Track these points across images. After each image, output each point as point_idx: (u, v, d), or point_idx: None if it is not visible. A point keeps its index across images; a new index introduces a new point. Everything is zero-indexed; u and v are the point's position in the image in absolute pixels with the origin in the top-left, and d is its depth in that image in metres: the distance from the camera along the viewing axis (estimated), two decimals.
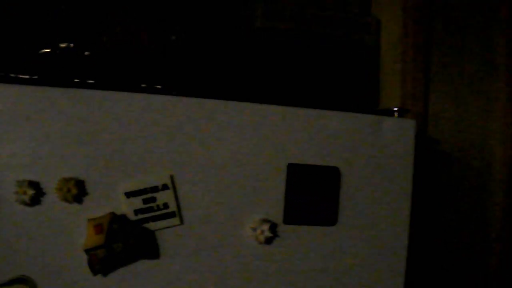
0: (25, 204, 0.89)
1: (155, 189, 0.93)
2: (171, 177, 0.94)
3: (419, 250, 1.44)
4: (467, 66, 1.61)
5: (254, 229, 0.97)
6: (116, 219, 0.92)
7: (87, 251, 0.89)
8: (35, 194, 0.89)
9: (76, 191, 0.90)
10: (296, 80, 1.45)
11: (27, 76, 1.19)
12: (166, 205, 0.94)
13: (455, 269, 1.57)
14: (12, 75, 1.14)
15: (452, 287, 1.58)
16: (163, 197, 0.93)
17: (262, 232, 0.96)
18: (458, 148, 1.59)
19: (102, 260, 0.90)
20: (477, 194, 1.60)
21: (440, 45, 1.58)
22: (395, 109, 1.12)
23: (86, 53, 1.31)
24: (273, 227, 0.98)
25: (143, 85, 1.28)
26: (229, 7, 1.48)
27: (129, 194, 0.93)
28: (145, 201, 0.93)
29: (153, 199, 0.93)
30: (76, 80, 1.26)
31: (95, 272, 0.91)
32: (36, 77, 1.20)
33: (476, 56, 1.62)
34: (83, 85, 1.25)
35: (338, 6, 1.64)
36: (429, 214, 1.53)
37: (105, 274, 0.93)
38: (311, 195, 1.00)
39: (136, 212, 0.93)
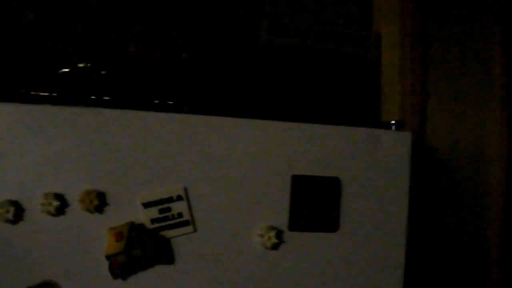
0: (51, 214, 0.96)
1: (170, 199, 0.99)
2: (185, 189, 1.00)
3: (419, 254, 1.49)
4: (464, 79, 1.65)
5: (262, 236, 1.02)
6: (134, 227, 0.98)
7: (108, 257, 0.95)
8: (60, 205, 0.96)
9: (98, 202, 0.97)
10: (299, 95, 1.51)
11: (47, 94, 1.27)
12: (180, 215, 1.00)
13: (454, 271, 1.61)
14: (33, 93, 1.22)
15: None
16: (177, 207, 1.00)
17: (269, 238, 1.02)
18: (455, 156, 1.63)
19: (122, 265, 0.95)
20: (474, 199, 1.64)
21: (437, 59, 1.63)
22: (393, 122, 1.18)
23: (103, 72, 1.39)
24: (279, 234, 1.04)
25: (156, 102, 1.36)
26: (235, 23, 1.53)
27: (146, 205, 0.99)
28: (161, 211, 0.99)
29: (169, 209, 0.99)
30: (93, 97, 1.34)
31: (115, 276, 0.97)
32: (55, 94, 1.28)
33: (473, 69, 1.66)
34: (100, 103, 1.32)
35: (340, 21, 1.69)
36: (429, 218, 1.57)
37: (124, 278, 0.99)
38: (314, 203, 1.05)
39: (153, 221, 0.99)
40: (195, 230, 1.02)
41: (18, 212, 0.95)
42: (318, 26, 1.60)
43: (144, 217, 0.99)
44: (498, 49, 1.64)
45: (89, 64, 1.37)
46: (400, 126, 1.18)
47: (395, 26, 1.64)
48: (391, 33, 1.65)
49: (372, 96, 1.60)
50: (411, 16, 1.62)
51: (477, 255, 1.62)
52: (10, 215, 0.94)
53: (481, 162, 1.65)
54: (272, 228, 1.03)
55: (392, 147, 1.11)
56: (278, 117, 1.06)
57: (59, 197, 0.96)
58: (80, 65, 1.39)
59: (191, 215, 1.01)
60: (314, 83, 1.54)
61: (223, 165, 1.02)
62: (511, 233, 1.65)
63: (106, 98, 1.33)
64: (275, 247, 1.04)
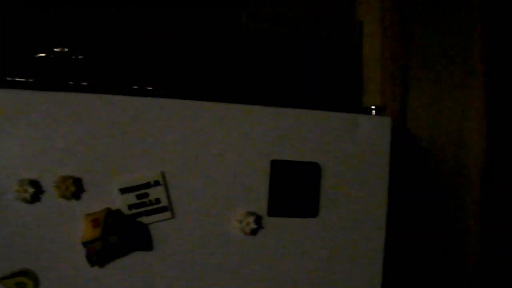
0: (26, 201, 0.95)
1: (147, 185, 0.98)
2: (162, 174, 0.99)
3: (397, 240, 1.50)
4: (445, 66, 1.66)
5: (240, 221, 1.02)
6: (111, 213, 0.97)
7: (84, 243, 0.94)
8: (35, 192, 0.95)
9: (74, 188, 0.95)
10: (281, 81, 1.51)
11: (23, 79, 1.25)
12: (158, 200, 0.99)
13: (433, 260, 1.63)
14: (9, 78, 1.20)
15: (430, 277, 1.64)
16: (155, 193, 0.99)
17: (248, 224, 1.02)
18: (435, 142, 1.65)
19: (99, 252, 0.94)
20: (454, 184, 1.65)
21: (419, 45, 1.64)
22: (373, 107, 1.18)
23: (80, 56, 1.36)
24: (258, 220, 1.03)
25: (134, 87, 1.34)
26: (217, 10, 1.52)
27: (123, 190, 0.98)
28: (138, 196, 0.98)
29: (146, 195, 0.98)
30: (70, 83, 1.32)
31: (92, 263, 0.96)
32: (31, 80, 1.26)
33: (454, 57, 1.67)
34: (77, 88, 1.30)
35: (323, 8, 1.69)
36: (409, 204, 1.59)
37: (101, 265, 0.98)
38: (294, 189, 1.05)
39: (130, 207, 0.98)
40: (173, 216, 1.01)
41: None
42: (301, 13, 1.59)
43: (121, 203, 0.98)
44: (479, 37, 1.65)
45: (66, 49, 1.35)
46: (380, 111, 1.18)
47: (377, 13, 1.64)
48: (373, 21, 1.65)
49: (354, 82, 1.61)
50: (392, 2, 1.62)
51: (456, 242, 1.65)
52: None
53: (460, 148, 1.66)
54: (251, 213, 1.03)
55: (371, 131, 1.11)
56: (257, 102, 1.05)
57: (34, 183, 0.95)
58: (57, 49, 1.36)
59: (169, 200, 1.00)
60: (296, 70, 1.54)
61: (202, 150, 1.01)
62: (490, 219, 1.67)
63: (84, 83, 1.31)
64: (254, 232, 1.03)
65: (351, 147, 1.09)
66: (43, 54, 1.36)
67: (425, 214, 1.63)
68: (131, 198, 0.98)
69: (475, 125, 1.67)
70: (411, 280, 1.60)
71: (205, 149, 1.01)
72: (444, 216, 1.65)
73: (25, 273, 0.97)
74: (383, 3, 1.63)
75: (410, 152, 1.62)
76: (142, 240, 1.00)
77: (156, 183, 0.99)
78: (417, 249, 1.62)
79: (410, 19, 1.64)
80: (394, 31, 1.62)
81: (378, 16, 1.64)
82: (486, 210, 1.66)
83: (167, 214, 1.00)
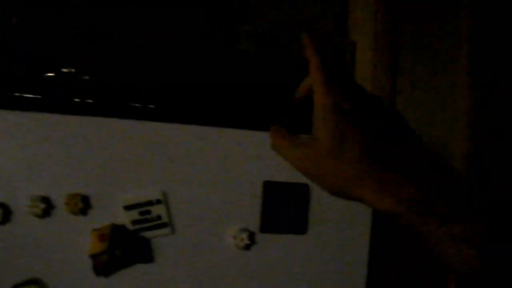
0: (37, 216, 1.02)
1: (150, 203, 1.06)
2: (164, 193, 1.07)
3: (383, 252, 1.58)
4: (432, 82, 1.75)
5: (235, 237, 1.09)
6: (116, 229, 1.04)
7: (91, 256, 1.01)
8: (46, 207, 1.02)
9: (82, 205, 1.03)
10: (274, 102, 1.58)
11: (31, 95, 1.33)
12: (159, 217, 1.07)
13: (417, 270, 1.70)
14: (17, 94, 1.28)
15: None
16: (156, 210, 1.07)
17: (242, 239, 1.09)
18: None
19: (105, 264, 1.02)
20: None
21: (406, 63, 1.72)
22: None
23: (86, 77, 1.44)
24: (251, 235, 1.11)
25: (137, 105, 1.42)
26: (213, 30, 1.60)
27: (127, 208, 1.06)
28: (141, 213, 1.06)
29: (148, 212, 1.06)
30: (76, 100, 1.40)
31: (98, 274, 1.03)
32: (40, 96, 1.34)
33: (440, 72, 1.76)
34: (83, 105, 1.38)
35: (317, 28, 1.77)
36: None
37: (107, 275, 1.06)
38: (284, 207, 1.12)
39: (134, 222, 1.06)
40: (172, 232, 1.09)
41: (5, 213, 1.01)
42: (294, 34, 1.67)
43: (125, 219, 1.06)
44: (464, 59, 1.73)
45: (73, 70, 1.43)
46: None
47: (369, 35, 1.72)
48: (365, 39, 1.73)
49: None
50: (383, 23, 1.70)
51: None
52: None
53: (446, 157, 1.74)
54: (244, 230, 1.11)
55: None
56: (250, 126, 1.13)
57: (45, 199, 1.02)
58: (65, 69, 1.44)
59: (169, 217, 1.08)
60: (290, 90, 1.60)
61: (200, 171, 1.09)
62: None
63: (89, 101, 1.39)
64: (247, 247, 1.11)
65: None
66: (51, 74, 1.43)
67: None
68: (135, 214, 1.06)
69: (460, 132, 1.75)
70: None
71: (202, 171, 1.09)
72: None
73: (36, 281, 1.04)
74: (375, 23, 1.72)
75: None
76: (144, 253, 1.08)
77: (158, 201, 1.07)
78: (404, 259, 1.70)
79: (400, 39, 1.73)
80: (385, 51, 1.70)
81: (370, 38, 1.73)
82: None
83: (167, 230, 1.08)
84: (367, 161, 0.83)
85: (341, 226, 1.17)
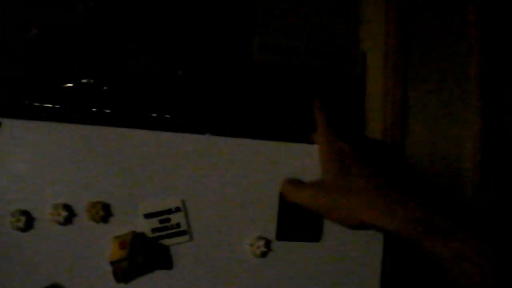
0: (60, 223, 1.05)
1: (169, 211, 1.09)
2: (183, 201, 1.10)
3: (395, 262, 1.59)
4: (443, 95, 1.76)
5: (252, 245, 1.12)
6: (137, 236, 1.07)
7: (112, 263, 1.04)
8: (68, 215, 1.05)
9: (103, 213, 1.06)
10: (288, 112, 1.60)
11: (50, 105, 1.36)
12: (178, 225, 1.09)
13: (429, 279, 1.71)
14: (37, 104, 1.31)
15: None
16: (176, 218, 1.09)
17: (258, 247, 1.11)
18: (434, 165, 1.74)
19: (125, 271, 1.04)
20: None
21: (417, 76, 1.74)
22: None
23: (105, 87, 1.48)
24: (268, 243, 1.13)
25: (153, 115, 1.46)
26: (228, 41, 1.62)
27: (147, 216, 1.08)
28: (161, 221, 1.08)
29: (168, 220, 1.09)
30: (94, 109, 1.43)
31: (118, 280, 1.06)
32: (58, 106, 1.37)
33: (451, 85, 1.77)
34: (101, 114, 1.41)
35: (329, 39, 1.78)
36: None
37: (127, 282, 1.08)
38: (300, 216, 1.14)
39: (154, 230, 1.09)
40: (191, 239, 1.11)
41: (28, 221, 1.04)
42: (308, 44, 1.69)
43: (145, 227, 1.09)
44: (474, 71, 1.75)
45: (92, 80, 1.46)
46: None
47: (380, 45, 1.74)
48: (376, 51, 1.74)
49: (358, 112, 1.70)
50: (394, 36, 1.72)
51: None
52: (21, 224, 1.03)
53: (458, 170, 1.75)
54: (261, 238, 1.13)
55: None
56: (267, 136, 1.15)
57: (67, 207, 1.05)
58: (84, 80, 1.47)
59: (188, 225, 1.10)
60: (304, 101, 1.63)
61: (218, 180, 1.12)
62: None
63: (107, 110, 1.42)
64: (263, 255, 1.13)
65: None
66: (70, 84, 1.47)
67: None
68: (155, 222, 1.09)
69: (471, 147, 1.76)
70: None
71: (220, 180, 1.12)
72: None
73: (56, 287, 1.07)
74: (386, 35, 1.74)
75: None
76: (164, 260, 1.10)
77: (177, 209, 1.09)
78: (417, 268, 1.70)
79: (410, 48, 1.74)
80: (395, 60, 1.72)
81: (381, 47, 1.74)
82: None
83: (186, 237, 1.11)
84: (373, 188, 0.90)
85: (355, 234, 1.19)
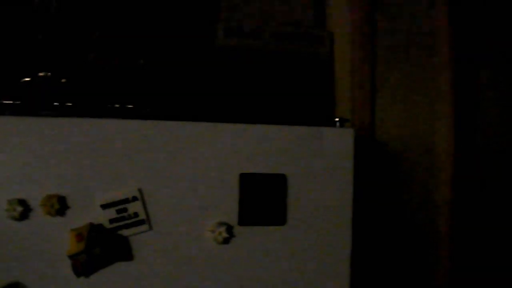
0: (15, 219, 1.02)
1: (126, 201, 1.06)
2: (139, 190, 1.07)
3: (367, 247, 1.58)
4: (412, 73, 1.74)
5: (213, 231, 1.09)
6: (94, 228, 1.04)
7: (70, 257, 1.01)
8: (24, 210, 1.02)
9: (59, 206, 1.03)
10: (256, 95, 1.58)
11: (11, 102, 1.33)
12: (136, 214, 1.07)
13: (403, 263, 1.70)
14: None
15: (401, 276, 1.71)
16: (133, 207, 1.07)
17: (220, 233, 1.09)
18: (404, 149, 1.72)
19: (84, 264, 1.02)
20: (425, 191, 1.73)
21: (385, 54, 1.71)
22: (337, 119, 1.26)
23: (63, 80, 1.44)
24: (230, 229, 1.11)
25: (116, 106, 1.43)
26: (192, 27, 1.59)
27: (104, 206, 1.06)
28: (118, 211, 1.06)
29: (125, 210, 1.06)
30: (55, 104, 1.40)
31: (78, 274, 1.03)
32: (18, 102, 1.34)
33: (420, 62, 1.75)
34: (61, 108, 1.38)
35: (295, 21, 1.75)
36: (379, 211, 1.66)
37: (87, 276, 1.05)
38: (262, 199, 1.12)
39: (111, 221, 1.06)
40: (150, 228, 1.09)
41: None
42: (273, 27, 1.66)
43: (102, 218, 1.06)
44: (446, 44, 1.72)
45: (49, 73, 1.43)
46: (343, 123, 1.25)
47: (346, 24, 1.70)
48: (343, 31, 1.71)
49: (326, 93, 1.67)
50: (360, 12, 1.69)
51: (427, 247, 1.71)
52: None
53: (430, 155, 1.73)
54: (222, 223, 1.11)
55: (335, 143, 1.18)
56: (227, 119, 1.13)
57: (22, 202, 1.02)
58: (41, 74, 1.44)
59: (147, 214, 1.08)
60: (269, 83, 1.61)
61: (175, 166, 1.09)
62: (461, 225, 1.74)
63: (68, 104, 1.39)
64: (226, 241, 1.11)
65: (316, 158, 1.17)
66: (28, 79, 1.43)
67: (397, 217, 1.70)
68: (112, 213, 1.06)
69: (444, 129, 1.74)
70: (382, 282, 1.67)
71: (178, 166, 1.09)
72: (416, 217, 1.72)
73: (16, 285, 1.04)
74: (351, 12, 1.71)
75: (380, 157, 1.69)
76: (123, 251, 1.07)
77: (134, 199, 1.07)
78: (388, 251, 1.69)
79: (376, 25, 1.72)
80: (362, 39, 1.69)
81: (347, 26, 1.71)
82: (456, 213, 1.73)
83: (145, 227, 1.08)
84: None
85: (321, 216, 1.17)
